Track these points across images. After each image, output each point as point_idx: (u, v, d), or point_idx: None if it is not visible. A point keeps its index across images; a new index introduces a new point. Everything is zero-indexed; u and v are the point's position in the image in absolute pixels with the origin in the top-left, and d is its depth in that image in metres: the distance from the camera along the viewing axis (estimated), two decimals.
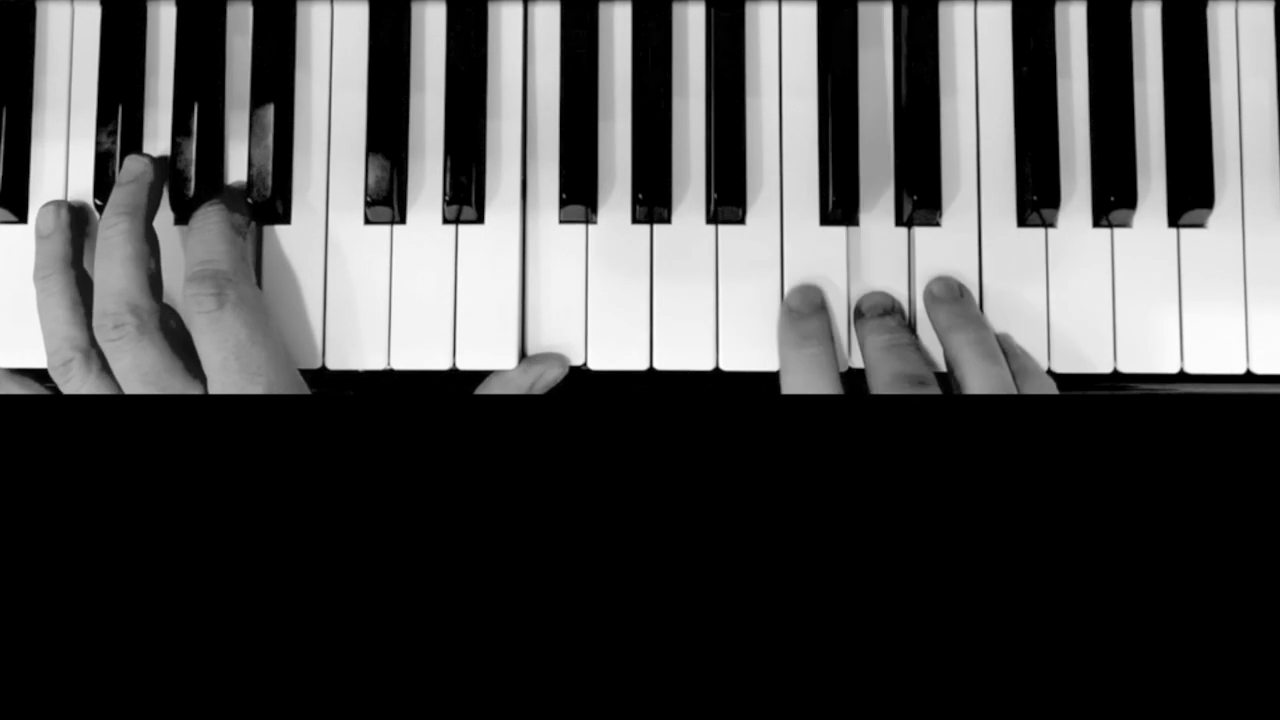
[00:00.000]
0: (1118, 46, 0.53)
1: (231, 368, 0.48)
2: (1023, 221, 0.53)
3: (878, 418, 0.40)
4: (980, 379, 0.49)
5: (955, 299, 0.51)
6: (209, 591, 0.38)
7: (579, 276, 0.52)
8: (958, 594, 0.38)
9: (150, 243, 0.51)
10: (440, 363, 0.52)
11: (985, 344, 0.50)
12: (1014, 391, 0.49)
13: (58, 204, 0.52)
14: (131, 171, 0.52)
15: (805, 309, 0.51)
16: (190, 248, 0.50)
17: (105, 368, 0.50)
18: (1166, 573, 0.38)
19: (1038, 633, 0.38)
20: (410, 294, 0.52)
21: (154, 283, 0.50)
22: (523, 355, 0.52)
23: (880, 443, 0.40)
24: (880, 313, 0.52)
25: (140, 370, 0.48)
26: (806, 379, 0.50)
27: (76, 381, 0.49)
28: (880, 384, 0.50)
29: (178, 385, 0.48)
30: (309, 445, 0.39)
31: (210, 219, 0.50)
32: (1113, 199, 0.52)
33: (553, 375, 0.52)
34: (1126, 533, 0.39)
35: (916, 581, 0.38)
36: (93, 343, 0.50)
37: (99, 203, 0.52)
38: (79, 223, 0.52)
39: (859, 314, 0.52)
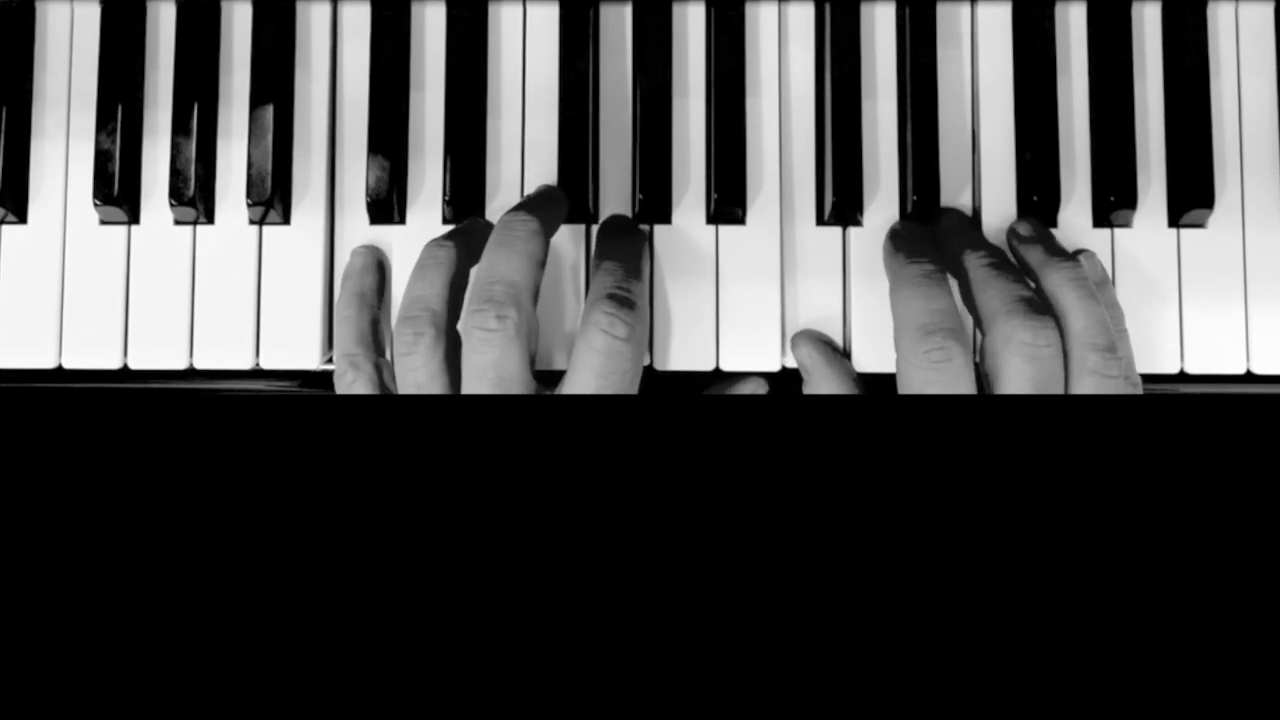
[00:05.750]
0: (1118, 46, 0.53)
1: None
2: None
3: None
4: (1083, 318, 0.47)
5: (1049, 237, 0.51)
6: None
7: (579, 276, 0.52)
8: (951, 587, 0.38)
9: (544, 255, 0.48)
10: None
11: (1085, 283, 0.48)
12: (1111, 335, 0.47)
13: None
14: (547, 193, 0.52)
15: (912, 231, 0.51)
16: (609, 265, 0.48)
17: (450, 356, 0.48)
18: (1169, 575, 0.38)
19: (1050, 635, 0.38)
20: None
21: (535, 293, 0.48)
22: None
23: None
24: (970, 227, 0.51)
25: (499, 372, 0.45)
26: (924, 291, 0.48)
27: (421, 357, 0.47)
28: (999, 307, 0.47)
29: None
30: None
31: (637, 245, 0.50)
32: (1113, 199, 0.52)
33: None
34: (1128, 534, 0.39)
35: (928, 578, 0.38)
36: (449, 328, 0.48)
37: (97, 202, 0.52)
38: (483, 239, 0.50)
39: (950, 229, 0.51)
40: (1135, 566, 0.38)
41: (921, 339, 0.46)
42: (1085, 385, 0.46)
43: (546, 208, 0.50)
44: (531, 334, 0.47)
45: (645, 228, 0.52)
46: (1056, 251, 0.49)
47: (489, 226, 0.50)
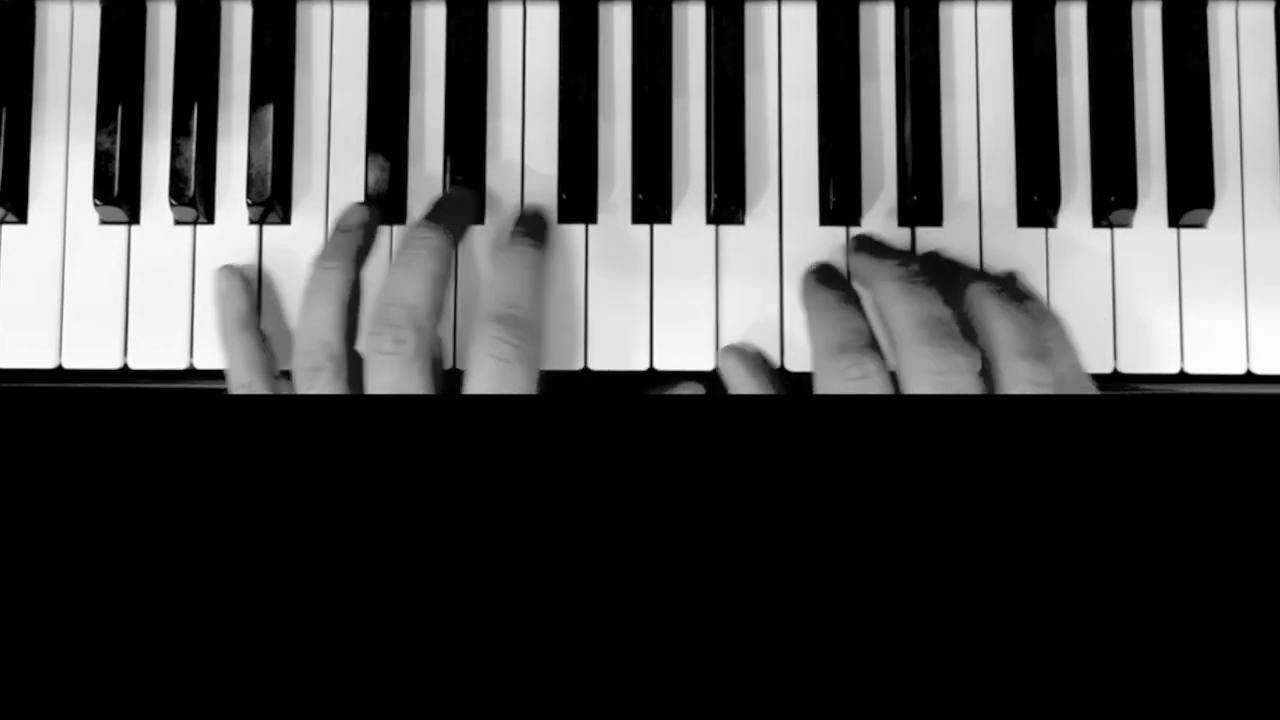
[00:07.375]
0: (1118, 46, 0.53)
1: None
2: (1023, 221, 0.53)
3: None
4: (1005, 324, 0.46)
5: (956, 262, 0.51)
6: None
7: (579, 276, 0.52)
8: (943, 597, 0.38)
9: (447, 270, 0.49)
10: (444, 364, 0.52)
11: (1002, 293, 0.47)
12: (1037, 341, 0.46)
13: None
14: (454, 198, 0.52)
15: (826, 272, 0.51)
16: (499, 280, 0.48)
17: (352, 381, 0.48)
18: (1168, 575, 0.38)
19: (1029, 636, 0.38)
20: None
21: (436, 311, 0.48)
22: None
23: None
24: (880, 246, 0.50)
25: (400, 392, 0.46)
26: (835, 313, 0.48)
27: (321, 391, 0.48)
28: (904, 332, 0.46)
29: None
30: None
31: (525, 256, 0.49)
32: (1113, 199, 0.52)
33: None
34: (1127, 534, 0.39)
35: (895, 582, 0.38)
36: (347, 354, 0.49)
37: (98, 202, 0.52)
38: (376, 229, 0.52)
39: (860, 249, 0.50)
40: (1134, 571, 0.38)
41: (836, 358, 0.46)
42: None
43: (451, 216, 0.50)
44: (433, 353, 0.48)
45: (576, 226, 0.52)
46: (972, 270, 0.49)
47: (367, 213, 0.51)
